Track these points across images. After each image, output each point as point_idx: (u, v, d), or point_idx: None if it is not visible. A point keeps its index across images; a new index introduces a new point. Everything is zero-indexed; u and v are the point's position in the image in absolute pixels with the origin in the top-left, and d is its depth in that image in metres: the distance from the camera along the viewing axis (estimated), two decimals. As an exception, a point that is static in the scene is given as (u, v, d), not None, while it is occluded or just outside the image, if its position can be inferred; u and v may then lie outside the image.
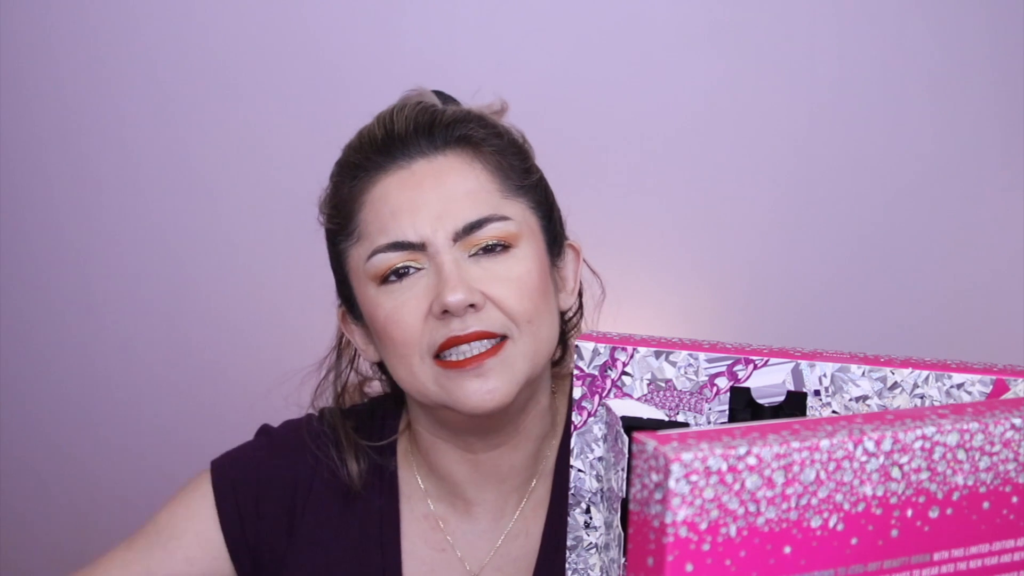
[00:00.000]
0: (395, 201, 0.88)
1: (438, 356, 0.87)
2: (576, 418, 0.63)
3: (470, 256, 0.88)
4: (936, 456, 0.48)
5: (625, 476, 0.59)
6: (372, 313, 0.90)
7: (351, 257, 0.92)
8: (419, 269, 0.88)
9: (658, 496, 0.43)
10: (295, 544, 0.98)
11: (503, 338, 0.87)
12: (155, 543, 0.97)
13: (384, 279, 0.89)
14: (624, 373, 0.61)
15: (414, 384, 0.90)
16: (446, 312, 0.86)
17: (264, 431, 1.05)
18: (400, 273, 0.88)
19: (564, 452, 0.98)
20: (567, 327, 1.00)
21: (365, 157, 0.91)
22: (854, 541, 0.47)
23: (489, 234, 0.88)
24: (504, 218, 0.89)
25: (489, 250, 0.88)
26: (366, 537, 0.97)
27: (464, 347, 0.86)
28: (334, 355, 1.03)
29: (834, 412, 0.59)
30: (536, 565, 0.96)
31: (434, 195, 0.88)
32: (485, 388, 0.86)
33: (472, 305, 0.86)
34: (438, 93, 0.99)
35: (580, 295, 1.01)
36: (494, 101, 0.99)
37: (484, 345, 0.87)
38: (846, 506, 0.46)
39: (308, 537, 0.98)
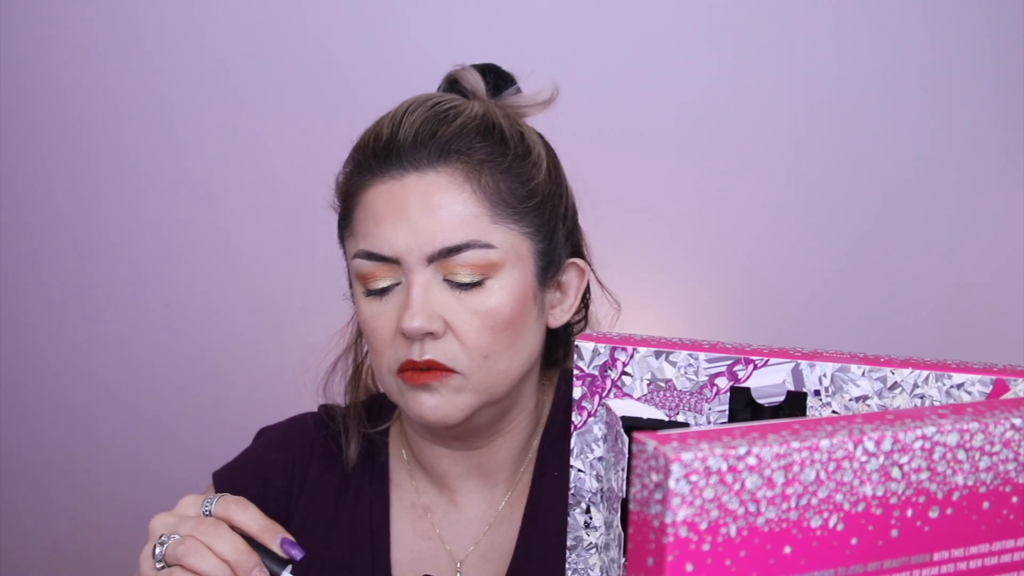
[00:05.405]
0: (381, 211, 0.88)
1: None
2: (576, 418, 0.63)
3: (445, 279, 0.87)
4: (936, 456, 0.48)
5: (625, 476, 0.59)
6: (358, 310, 0.92)
7: (346, 247, 0.94)
8: (397, 283, 0.88)
9: (658, 496, 0.43)
10: (289, 529, 0.99)
11: (453, 372, 0.88)
12: None
13: (368, 290, 0.90)
14: (624, 373, 0.61)
15: (385, 386, 0.93)
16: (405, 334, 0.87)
17: (261, 433, 1.07)
18: (381, 291, 0.89)
19: (546, 439, 0.99)
20: (570, 333, 1.01)
21: (366, 157, 0.91)
22: (854, 541, 0.47)
23: (467, 260, 0.86)
24: (487, 246, 0.87)
25: (464, 284, 0.87)
26: (358, 524, 0.99)
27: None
28: (350, 339, 1.03)
29: (834, 412, 0.59)
30: (515, 548, 0.97)
31: (417, 213, 0.86)
32: (431, 403, 0.88)
33: (431, 333, 0.86)
34: (490, 68, 0.96)
35: (587, 308, 1.01)
36: (543, 89, 0.96)
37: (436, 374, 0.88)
38: (846, 506, 0.46)
39: (302, 523, 1.00)
